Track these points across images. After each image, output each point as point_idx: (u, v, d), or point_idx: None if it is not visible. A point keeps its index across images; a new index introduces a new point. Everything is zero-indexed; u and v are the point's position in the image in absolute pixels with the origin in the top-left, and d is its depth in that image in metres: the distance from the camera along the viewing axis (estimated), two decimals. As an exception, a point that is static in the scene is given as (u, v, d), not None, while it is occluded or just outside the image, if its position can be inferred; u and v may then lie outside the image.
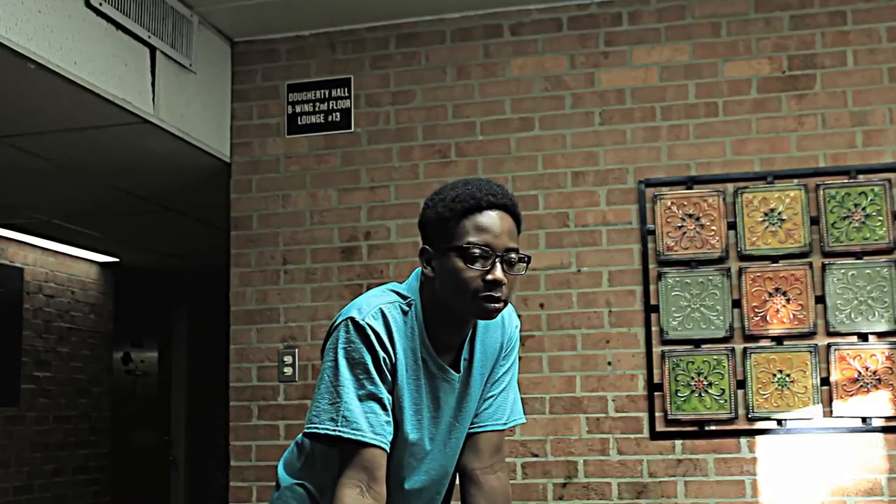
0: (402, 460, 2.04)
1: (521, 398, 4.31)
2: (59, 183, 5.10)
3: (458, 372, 2.05)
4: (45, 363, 6.81)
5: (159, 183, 5.11)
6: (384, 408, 1.94)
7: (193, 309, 8.69)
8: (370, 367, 1.92)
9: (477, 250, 1.91)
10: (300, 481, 2.17)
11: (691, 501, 4.04)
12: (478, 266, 1.91)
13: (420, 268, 2.03)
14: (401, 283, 2.08)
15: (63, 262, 7.10)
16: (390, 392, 1.96)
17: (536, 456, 4.18)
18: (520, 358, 4.20)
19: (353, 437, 1.90)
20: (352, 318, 1.94)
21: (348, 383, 1.92)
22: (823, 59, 4.17)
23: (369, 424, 1.91)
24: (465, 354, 2.06)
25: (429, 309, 2.00)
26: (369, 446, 1.90)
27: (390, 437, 1.95)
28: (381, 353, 1.93)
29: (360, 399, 1.91)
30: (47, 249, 6.88)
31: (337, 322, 1.98)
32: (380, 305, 1.97)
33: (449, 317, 1.99)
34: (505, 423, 2.18)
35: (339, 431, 1.90)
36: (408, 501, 2.11)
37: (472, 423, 2.13)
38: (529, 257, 2.00)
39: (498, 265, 1.92)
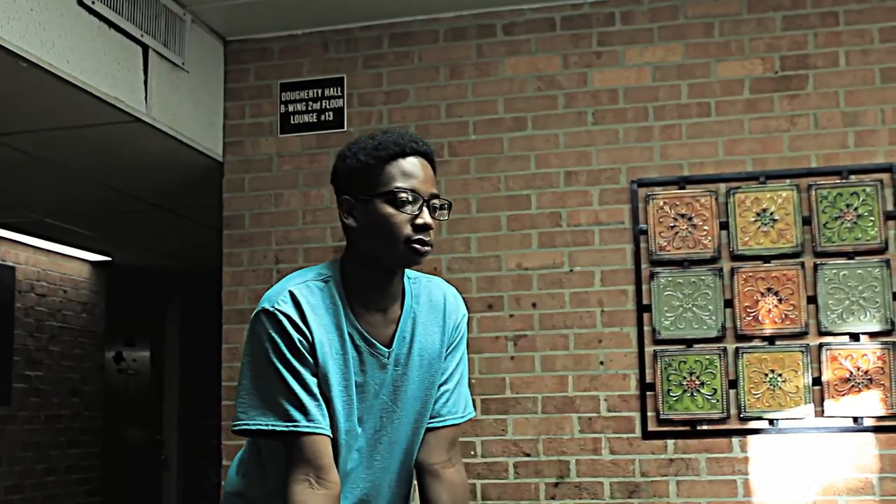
0: (340, 442, 1.98)
1: (514, 398, 4.34)
2: (51, 181, 5.09)
3: (389, 348, 2.01)
4: (36, 362, 6.80)
5: (152, 182, 5.10)
6: (312, 393, 1.90)
7: (186, 308, 8.67)
8: (287, 354, 1.89)
9: (406, 195, 1.91)
10: (244, 491, 2.13)
11: (683, 501, 4.04)
12: (407, 210, 1.91)
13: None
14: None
15: (55, 261, 7.09)
16: (315, 375, 1.92)
17: (528, 455, 4.18)
18: (512, 358, 4.24)
19: (287, 428, 1.88)
20: (263, 309, 1.92)
21: (272, 374, 1.89)
22: (816, 60, 4.18)
23: (301, 413, 1.88)
24: (402, 332, 2.02)
25: (351, 277, 1.98)
26: (307, 435, 1.88)
27: (327, 421, 1.92)
28: (297, 336, 1.90)
29: (288, 389, 1.89)
30: (39, 248, 6.86)
31: (252, 316, 1.95)
32: (289, 288, 1.94)
33: (373, 274, 1.97)
34: (462, 416, 2.14)
35: (273, 425, 1.88)
36: (356, 487, 2.05)
37: (430, 418, 2.10)
38: (451, 203, 2.02)
39: (426, 209, 1.93)
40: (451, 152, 4.42)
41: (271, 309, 1.91)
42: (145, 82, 4.06)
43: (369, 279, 1.98)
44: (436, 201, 1.96)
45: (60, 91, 3.69)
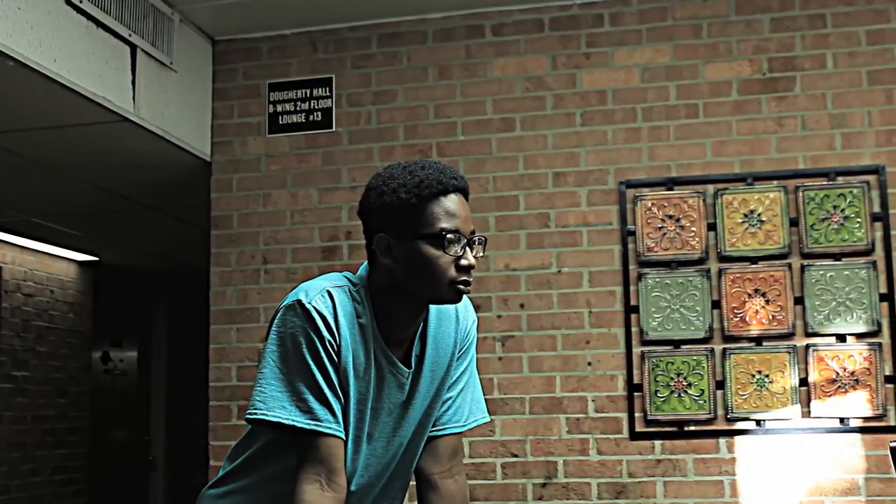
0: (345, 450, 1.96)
1: (502, 398, 4.33)
2: (38, 181, 5.07)
3: (409, 368, 1.99)
4: (23, 362, 6.77)
5: (139, 181, 5.09)
6: (337, 395, 1.88)
7: (173, 308, 8.65)
8: (321, 352, 1.86)
9: (451, 236, 1.87)
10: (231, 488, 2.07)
11: (670, 501, 4.05)
12: (451, 252, 1.87)
13: (367, 262, 1.98)
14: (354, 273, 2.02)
15: (42, 261, 7.06)
16: (337, 375, 1.89)
17: (516, 456, 4.18)
18: (500, 358, 4.23)
19: (309, 426, 1.85)
20: (298, 301, 1.88)
21: (301, 369, 1.86)
22: (803, 62, 4.20)
23: (325, 413, 1.85)
24: (415, 350, 2.01)
25: (381, 299, 1.94)
26: (324, 435, 1.85)
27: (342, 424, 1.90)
28: (328, 336, 1.86)
29: (316, 386, 1.86)
30: (26, 248, 6.83)
31: (283, 304, 1.91)
32: (328, 288, 1.91)
33: (405, 306, 1.94)
34: (464, 425, 2.12)
35: (294, 420, 1.85)
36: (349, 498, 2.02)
37: (432, 426, 2.07)
38: (486, 238, 1.99)
39: (468, 249, 1.90)
40: (439, 153, 4.42)
41: (308, 305, 1.87)
42: (133, 82, 4.05)
43: (401, 309, 1.95)
44: (476, 238, 1.93)
45: (48, 90, 3.67)
